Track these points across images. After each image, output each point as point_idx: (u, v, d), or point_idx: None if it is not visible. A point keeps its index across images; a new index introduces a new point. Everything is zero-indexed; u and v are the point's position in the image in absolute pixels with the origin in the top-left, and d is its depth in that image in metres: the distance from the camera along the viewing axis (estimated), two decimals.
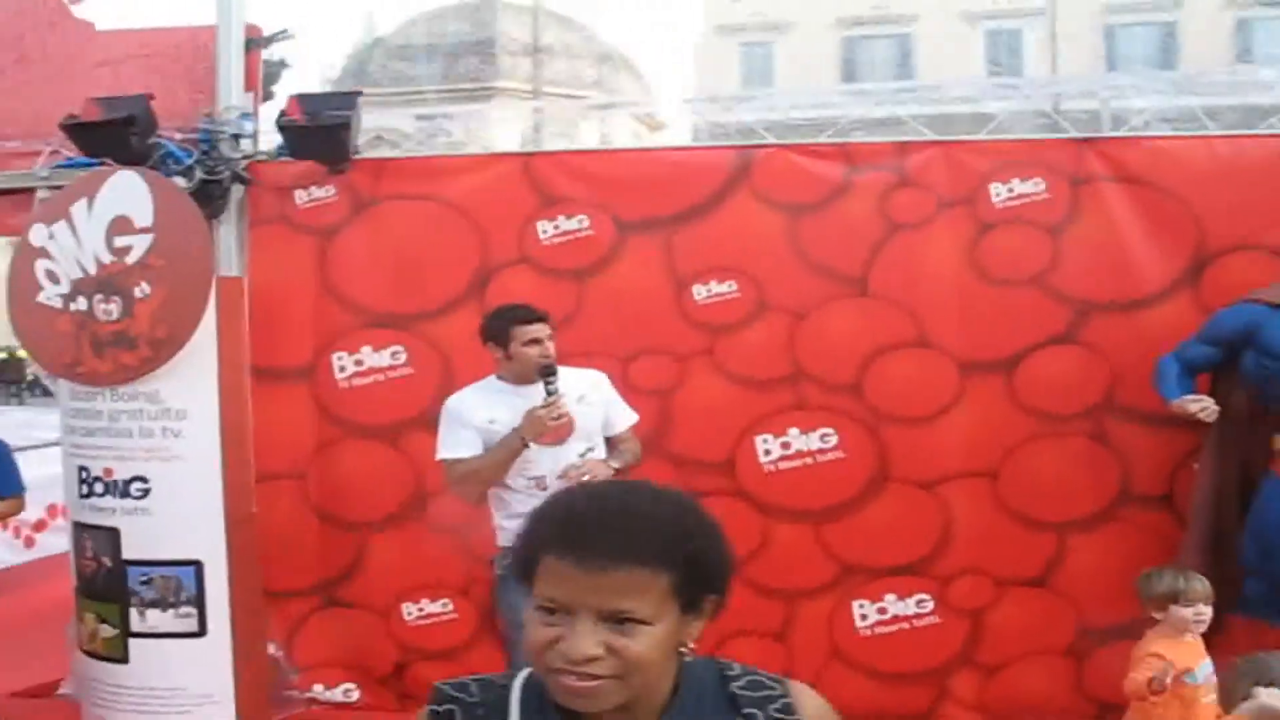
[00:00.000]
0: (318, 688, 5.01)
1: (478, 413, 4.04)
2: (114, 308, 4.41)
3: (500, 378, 4.11)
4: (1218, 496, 4.30)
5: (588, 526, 1.36)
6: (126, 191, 4.47)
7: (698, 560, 1.39)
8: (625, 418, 4.24)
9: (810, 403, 4.76)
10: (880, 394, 4.73)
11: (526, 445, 3.94)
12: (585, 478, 3.88)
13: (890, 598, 4.76)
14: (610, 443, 4.19)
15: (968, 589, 4.72)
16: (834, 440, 4.75)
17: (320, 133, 4.65)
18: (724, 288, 4.80)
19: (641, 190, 4.84)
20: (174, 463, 4.42)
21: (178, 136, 5.06)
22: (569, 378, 4.04)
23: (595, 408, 4.12)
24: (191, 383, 4.42)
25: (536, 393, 3.97)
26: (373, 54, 30.13)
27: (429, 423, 4.92)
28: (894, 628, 4.76)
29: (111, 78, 5.33)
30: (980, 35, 26.79)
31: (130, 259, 4.40)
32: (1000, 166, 4.67)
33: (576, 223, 4.87)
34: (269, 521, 4.73)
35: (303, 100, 4.68)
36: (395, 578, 4.97)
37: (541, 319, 4.06)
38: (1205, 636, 3.73)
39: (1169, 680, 3.45)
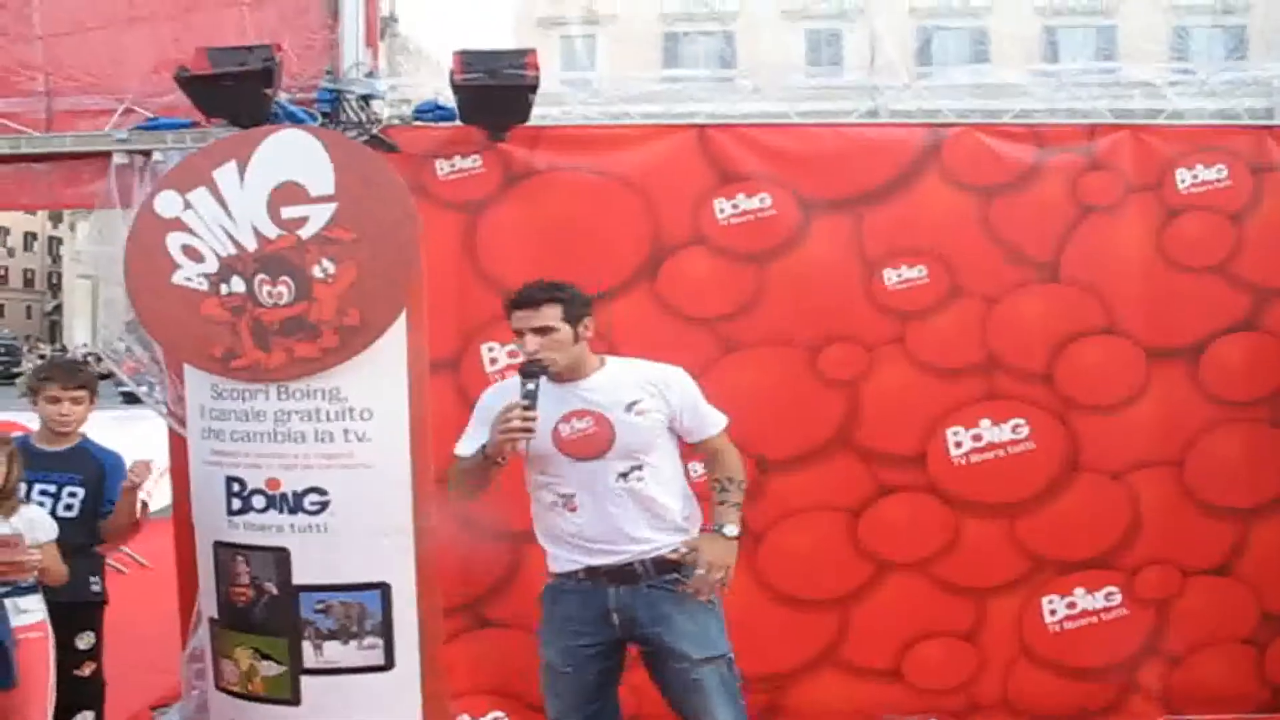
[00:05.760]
0: (464, 718, 4.47)
1: (496, 407, 3.27)
2: (284, 290, 3.77)
3: None
4: None
5: None
6: (293, 153, 3.83)
7: None
8: (711, 422, 3.42)
9: (1003, 392, 4.57)
10: (1071, 382, 4.59)
11: (497, 462, 3.21)
12: (700, 572, 3.21)
13: (1079, 591, 4.63)
14: (703, 457, 3.50)
15: (1155, 579, 4.63)
16: (1025, 431, 4.58)
17: (501, 94, 4.11)
18: (914, 272, 4.54)
19: (826, 168, 4.53)
20: (358, 471, 3.81)
21: (283, 97, 4.42)
22: (625, 377, 3.35)
23: (651, 417, 3.32)
24: (377, 378, 3.82)
25: (576, 389, 3.33)
26: None
27: None
28: (1083, 622, 4.63)
29: (183, 28, 4.62)
30: (801, 33, 27.45)
31: (304, 232, 3.77)
32: (1185, 152, 4.62)
33: (758, 201, 4.51)
34: None
35: (466, 57, 4.13)
36: None
37: (526, 304, 3.30)
38: None
39: None
